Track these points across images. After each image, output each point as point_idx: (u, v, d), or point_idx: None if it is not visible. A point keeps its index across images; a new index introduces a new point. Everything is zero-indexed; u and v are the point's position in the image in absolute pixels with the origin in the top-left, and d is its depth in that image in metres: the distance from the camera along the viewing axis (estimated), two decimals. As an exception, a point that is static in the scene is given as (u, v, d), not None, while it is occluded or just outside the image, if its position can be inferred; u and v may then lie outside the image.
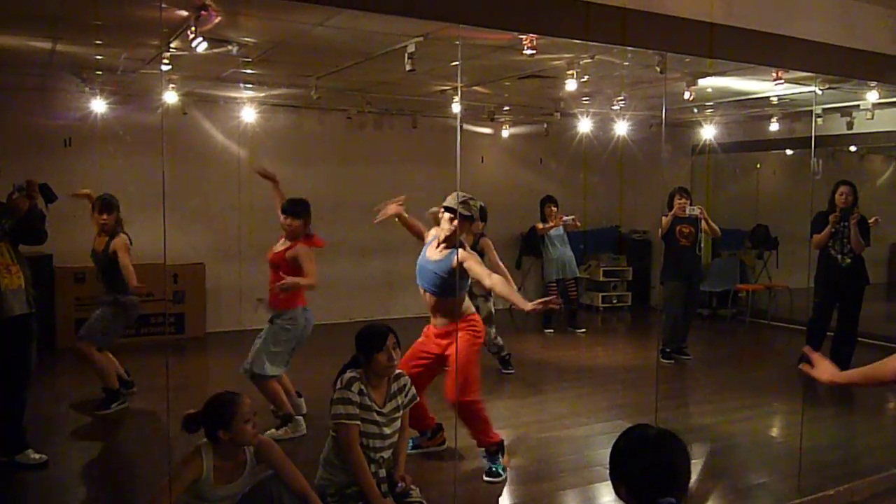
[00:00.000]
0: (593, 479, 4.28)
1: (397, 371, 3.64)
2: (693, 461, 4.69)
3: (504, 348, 6.83)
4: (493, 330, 6.62)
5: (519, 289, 10.04)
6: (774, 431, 5.62)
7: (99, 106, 7.06)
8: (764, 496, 4.18)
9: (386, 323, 3.72)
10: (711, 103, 7.82)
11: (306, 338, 5.17)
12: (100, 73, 6.32)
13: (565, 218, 8.43)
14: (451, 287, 4.14)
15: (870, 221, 6.62)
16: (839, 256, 6.57)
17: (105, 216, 5.55)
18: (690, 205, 7.16)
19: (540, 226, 8.56)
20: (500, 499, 4.24)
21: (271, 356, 4.98)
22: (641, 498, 1.93)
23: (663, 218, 7.22)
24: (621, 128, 8.69)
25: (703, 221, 7.12)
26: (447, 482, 4.22)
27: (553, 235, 8.50)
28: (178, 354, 7.52)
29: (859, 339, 6.87)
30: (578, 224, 8.60)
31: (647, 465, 1.96)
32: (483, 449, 4.39)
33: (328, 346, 7.59)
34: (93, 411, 5.49)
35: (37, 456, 4.36)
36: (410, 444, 4.48)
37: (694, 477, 4.45)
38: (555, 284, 8.60)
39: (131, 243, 5.61)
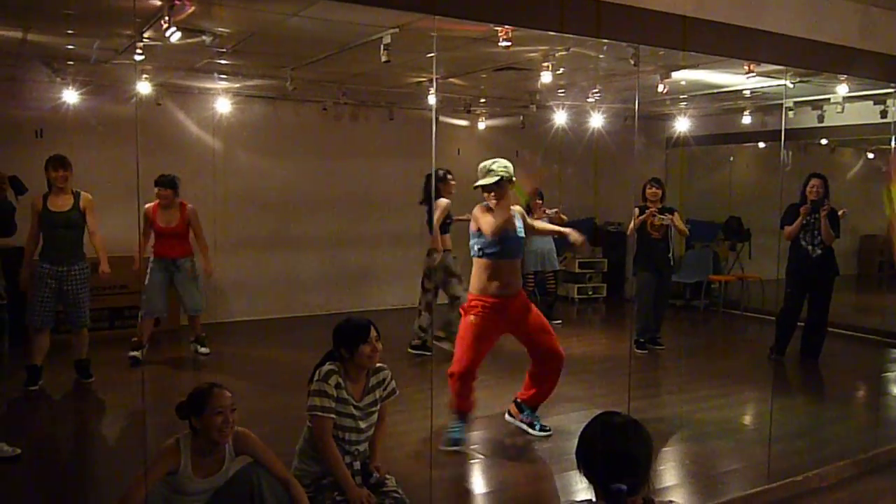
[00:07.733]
0: (567, 468, 4.32)
1: (378, 364, 3.64)
2: (665, 448, 4.79)
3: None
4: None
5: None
6: (745, 419, 5.71)
7: (71, 96, 6.96)
8: (734, 482, 4.25)
9: (363, 315, 3.72)
10: (685, 96, 7.89)
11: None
12: (72, 62, 6.24)
13: (549, 211, 8.43)
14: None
15: (839, 213, 6.73)
16: (810, 248, 6.67)
17: (65, 172, 5.55)
18: (663, 196, 7.24)
19: None
20: (475, 486, 4.28)
21: None
22: (597, 481, 2.03)
23: (636, 209, 7.27)
24: (596, 120, 8.75)
25: (672, 228, 7.19)
26: (423, 470, 4.25)
27: None
28: (152, 347, 7.46)
29: (829, 328, 7.00)
30: (564, 217, 8.57)
31: (605, 451, 2.04)
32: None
33: (304, 338, 7.62)
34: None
35: (9, 449, 4.32)
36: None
37: (666, 464, 4.52)
38: (532, 276, 8.64)
39: None
